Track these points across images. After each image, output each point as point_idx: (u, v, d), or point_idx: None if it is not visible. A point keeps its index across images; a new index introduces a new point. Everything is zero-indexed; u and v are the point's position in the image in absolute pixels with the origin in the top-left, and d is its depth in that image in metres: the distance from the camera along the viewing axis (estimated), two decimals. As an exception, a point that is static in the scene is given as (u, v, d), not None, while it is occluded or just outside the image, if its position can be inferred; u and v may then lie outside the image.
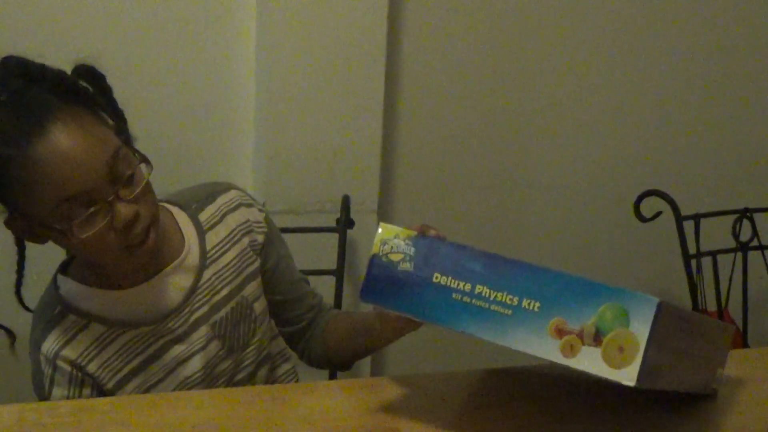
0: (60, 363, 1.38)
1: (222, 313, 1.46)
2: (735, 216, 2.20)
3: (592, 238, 2.41)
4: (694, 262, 2.14)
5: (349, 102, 1.68)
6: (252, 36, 2.01)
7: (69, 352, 1.38)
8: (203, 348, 1.45)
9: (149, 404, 1.35)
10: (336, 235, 1.99)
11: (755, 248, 2.22)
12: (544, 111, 2.34)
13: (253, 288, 1.50)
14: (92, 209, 1.26)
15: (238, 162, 2.08)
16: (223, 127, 2.04)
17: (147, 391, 1.42)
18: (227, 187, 1.51)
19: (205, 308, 1.45)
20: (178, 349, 1.43)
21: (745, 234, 2.20)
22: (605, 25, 2.34)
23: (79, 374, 1.39)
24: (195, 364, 1.44)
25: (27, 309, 1.43)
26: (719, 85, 2.46)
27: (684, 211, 2.13)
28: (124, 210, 1.27)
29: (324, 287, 2.04)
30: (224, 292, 1.46)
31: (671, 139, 2.44)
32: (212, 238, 1.46)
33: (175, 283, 1.42)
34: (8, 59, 1.29)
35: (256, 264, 1.51)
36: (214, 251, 1.46)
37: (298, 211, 2.00)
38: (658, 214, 2.12)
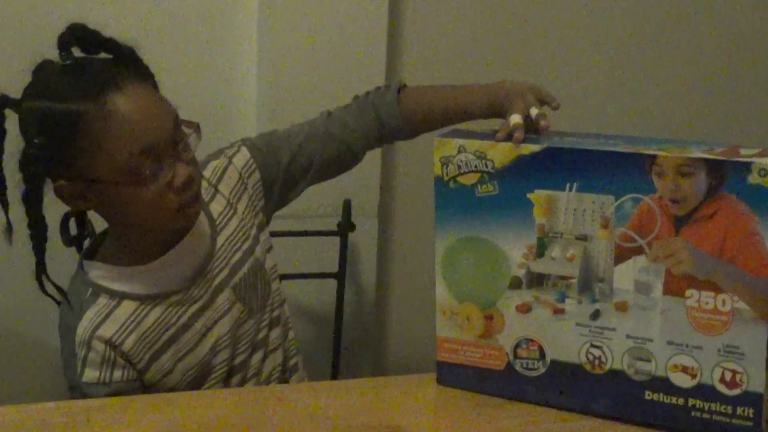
0: (95, 343, 1.41)
1: (240, 275, 1.52)
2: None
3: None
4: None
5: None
6: (254, 41, 2.02)
7: (104, 332, 1.41)
8: (228, 311, 1.50)
9: (155, 404, 1.36)
10: (337, 239, 2.01)
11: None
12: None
13: (262, 245, 1.56)
14: (158, 165, 1.33)
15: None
16: (225, 129, 2.05)
17: (181, 359, 1.46)
18: (206, 162, 1.54)
19: (224, 273, 1.50)
20: (206, 316, 1.48)
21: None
22: (603, 45, 2.35)
23: (113, 354, 1.41)
24: (222, 328, 1.50)
25: (47, 295, 1.43)
26: (713, 113, 2.47)
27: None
28: (183, 170, 1.35)
29: (326, 290, 2.07)
30: (238, 255, 1.52)
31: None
32: (216, 208, 1.52)
33: (194, 251, 1.48)
34: (75, 26, 1.35)
35: (262, 201, 1.57)
36: (219, 220, 1.51)
37: (299, 215, 2.02)
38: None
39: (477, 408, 1.35)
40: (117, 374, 1.42)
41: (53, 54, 1.35)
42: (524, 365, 1.34)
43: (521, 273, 1.31)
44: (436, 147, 1.33)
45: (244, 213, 1.54)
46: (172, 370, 1.47)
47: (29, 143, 1.33)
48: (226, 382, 1.52)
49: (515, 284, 1.31)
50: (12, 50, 1.89)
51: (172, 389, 1.47)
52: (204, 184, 1.51)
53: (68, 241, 1.54)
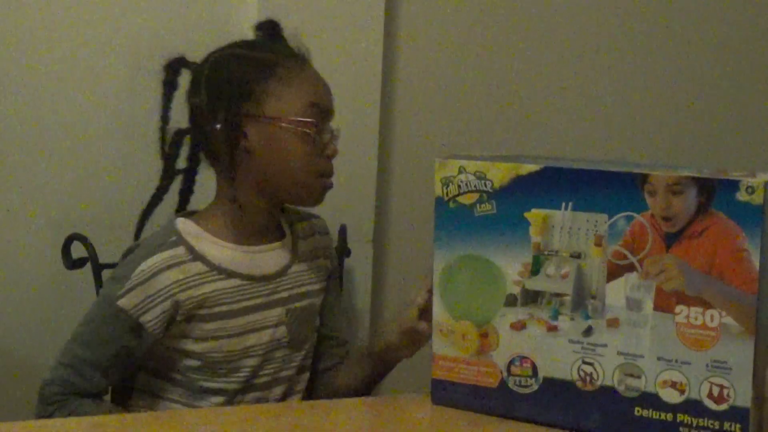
0: (153, 280, 1.50)
1: (298, 305, 1.63)
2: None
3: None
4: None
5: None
6: None
7: (168, 275, 1.51)
8: (274, 327, 1.60)
9: (163, 422, 1.39)
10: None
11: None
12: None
13: (319, 301, 1.69)
14: (320, 127, 1.54)
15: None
16: None
17: (217, 338, 1.55)
18: (320, 218, 1.75)
19: (286, 294, 1.62)
20: (255, 317, 1.58)
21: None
22: (597, 65, 2.40)
23: (160, 300, 1.50)
24: (263, 337, 1.59)
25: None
26: (710, 135, 2.51)
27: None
28: (333, 147, 1.57)
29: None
30: (303, 289, 1.65)
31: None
32: (302, 245, 1.67)
33: (275, 259, 1.62)
34: (272, 21, 1.64)
35: (323, 284, 1.70)
36: (301, 255, 1.66)
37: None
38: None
39: (471, 427, 1.37)
40: (146, 317, 1.50)
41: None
42: (517, 382, 1.36)
43: (516, 290, 1.34)
44: (437, 169, 1.38)
45: (320, 266, 1.69)
46: (206, 341, 1.54)
47: (220, 85, 1.53)
48: (242, 394, 1.58)
49: (510, 302, 1.35)
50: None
51: (198, 358, 1.55)
52: (306, 224, 1.70)
53: (70, 264, 1.65)
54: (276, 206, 1.63)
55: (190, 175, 1.66)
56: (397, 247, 2.23)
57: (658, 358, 1.27)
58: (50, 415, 1.48)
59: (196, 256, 1.54)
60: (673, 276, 1.26)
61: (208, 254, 1.55)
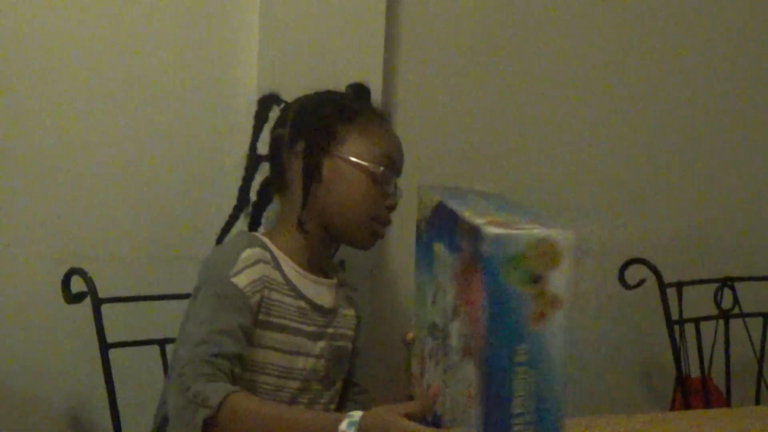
0: (258, 267, 1.62)
1: (338, 343, 1.75)
2: (717, 284, 2.26)
3: (577, 305, 2.44)
4: (677, 329, 2.21)
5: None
6: (255, 41, 2.04)
7: (265, 268, 1.64)
8: (316, 357, 1.71)
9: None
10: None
11: (737, 316, 2.28)
12: (527, 180, 2.39)
13: (350, 346, 1.80)
14: (388, 177, 1.70)
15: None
16: (223, 131, 2.06)
17: (269, 348, 1.64)
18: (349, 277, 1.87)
19: (332, 330, 1.74)
20: (305, 342, 1.69)
21: (727, 302, 2.27)
22: (588, 99, 2.42)
23: (258, 287, 1.62)
24: (306, 364, 1.69)
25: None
26: (701, 157, 2.52)
27: (667, 279, 2.20)
28: (396, 201, 1.73)
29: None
30: (342, 331, 1.77)
31: (655, 209, 2.49)
32: (339, 291, 1.79)
33: (330, 296, 1.75)
34: (362, 85, 1.84)
35: (354, 332, 1.81)
36: (340, 299, 1.79)
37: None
38: (642, 281, 2.18)
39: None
40: (254, 299, 1.60)
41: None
42: (435, 412, 1.37)
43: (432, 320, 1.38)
44: (418, 195, 1.46)
45: (352, 315, 1.82)
46: (266, 350, 1.63)
47: (306, 119, 1.71)
48: None
49: (430, 331, 1.39)
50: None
51: (257, 366, 1.63)
52: (344, 274, 1.83)
53: (70, 298, 1.67)
54: (333, 241, 1.77)
55: (263, 199, 1.81)
56: (395, 283, 2.23)
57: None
58: (195, 392, 1.45)
59: (277, 266, 1.67)
60: None
61: (286, 271, 1.68)
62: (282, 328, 1.65)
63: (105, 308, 1.78)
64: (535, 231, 1.14)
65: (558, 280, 1.15)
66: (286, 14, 2.02)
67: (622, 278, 2.18)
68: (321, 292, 1.73)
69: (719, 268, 2.34)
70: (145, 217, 1.99)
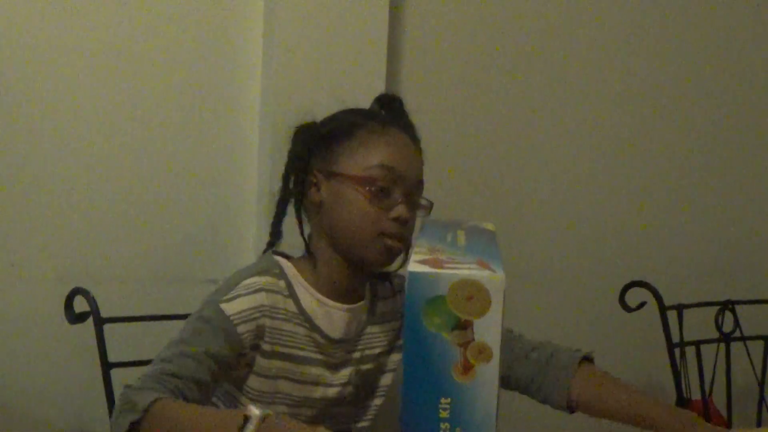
0: (256, 295, 1.58)
1: (367, 366, 1.70)
2: (717, 307, 2.27)
3: (578, 327, 2.46)
4: (678, 352, 2.21)
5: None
6: (259, 50, 2.07)
7: (267, 297, 1.59)
8: (342, 385, 1.67)
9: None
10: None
11: (738, 339, 2.28)
12: (528, 207, 2.41)
13: (393, 359, 1.74)
14: (389, 188, 1.60)
15: (243, 192, 2.11)
16: (228, 136, 2.07)
17: (283, 378, 1.61)
18: (402, 277, 1.74)
19: (358, 355, 1.69)
20: (325, 372, 1.65)
21: (728, 325, 2.27)
22: (586, 115, 2.44)
23: (252, 317, 1.57)
24: (328, 394, 1.66)
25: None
26: (704, 180, 2.54)
27: (667, 302, 2.20)
28: (404, 210, 1.61)
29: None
30: (377, 350, 1.71)
31: (655, 231, 2.50)
32: (380, 306, 1.73)
33: (352, 322, 1.68)
34: (394, 97, 1.76)
35: (396, 341, 1.74)
36: (378, 316, 1.72)
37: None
38: (643, 304, 2.18)
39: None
40: (243, 328, 1.56)
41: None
42: None
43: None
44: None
45: (394, 327, 1.74)
46: (275, 380, 1.60)
47: (316, 137, 1.66)
48: None
49: None
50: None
51: (266, 395, 1.61)
52: (387, 285, 1.75)
53: (73, 318, 1.67)
54: (352, 265, 1.66)
55: (277, 219, 1.74)
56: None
57: None
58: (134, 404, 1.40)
59: (292, 294, 1.63)
60: None
61: (303, 300, 1.64)
62: (293, 358, 1.62)
63: (107, 328, 1.78)
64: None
65: (487, 328, 1.04)
66: (289, 34, 2.03)
67: (622, 301, 2.18)
68: (340, 321, 1.66)
69: (720, 291, 2.34)
70: (148, 239, 2.01)
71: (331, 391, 1.66)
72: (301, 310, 1.63)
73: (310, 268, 1.67)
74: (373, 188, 1.59)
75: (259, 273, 1.61)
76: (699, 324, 2.26)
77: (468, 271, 1.03)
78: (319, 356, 1.64)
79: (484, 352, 1.03)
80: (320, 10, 2.04)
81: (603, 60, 2.44)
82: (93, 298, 1.78)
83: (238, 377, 1.60)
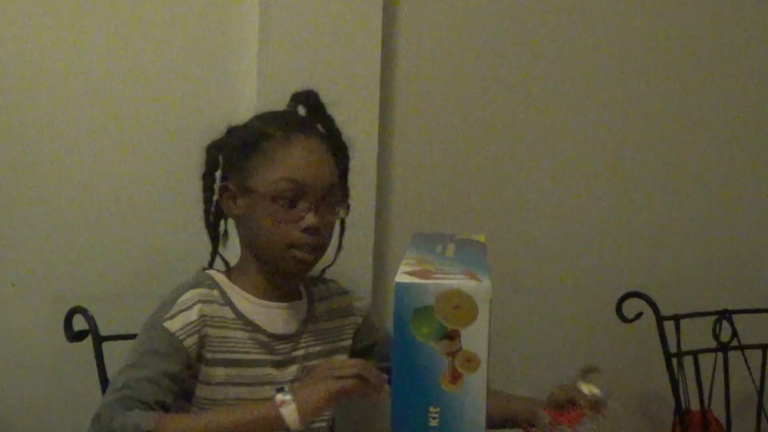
0: (196, 308, 1.62)
1: (312, 363, 1.73)
2: (715, 317, 2.27)
3: (575, 339, 2.46)
4: (675, 362, 2.21)
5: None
6: (254, 52, 2.07)
7: (204, 308, 1.64)
8: (290, 383, 1.68)
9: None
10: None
11: (736, 348, 2.29)
12: (524, 217, 2.41)
13: (342, 357, 1.78)
14: (296, 200, 1.64)
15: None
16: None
17: (234, 385, 1.65)
18: (334, 281, 1.86)
19: (302, 352, 1.73)
20: (272, 371, 1.69)
21: (726, 334, 2.28)
22: (588, 128, 2.44)
23: (195, 329, 1.61)
24: None
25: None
26: (699, 190, 2.54)
27: (664, 312, 2.21)
28: (314, 219, 1.65)
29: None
30: (318, 348, 1.76)
31: (651, 241, 2.51)
32: (318, 306, 1.79)
33: (293, 319, 1.73)
34: (311, 92, 1.77)
35: (349, 341, 1.82)
36: (318, 315, 1.78)
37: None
38: (639, 315, 2.19)
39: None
40: (189, 341, 1.60)
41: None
42: None
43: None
44: None
45: (343, 324, 1.82)
46: (224, 386, 1.64)
47: (228, 149, 1.72)
48: None
49: None
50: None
51: (218, 402, 1.64)
52: (323, 287, 1.82)
53: (71, 337, 1.69)
54: (275, 271, 1.71)
55: (212, 236, 1.80)
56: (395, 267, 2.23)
57: None
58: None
59: (227, 302, 1.68)
60: None
61: (237, 304, 1.68)
62: (238, 363, 1.65)
63: (106, 346, 1.80)
64: (448, 282, 1.05)
65: (474, 337, 1.05)
66: (284, 33, 2.04)
67: (619, 312, 2.19)
68: (281, 317, 1.72)
69: (716, 301, 2.35)
70: (145, 256, 2.02)
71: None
72: (240, 315, 1.68)
73: (241, 274, 1.72)
74: (279, 202, 1.65)
75: (193, 287, 1.67)
76: (696, 334, 2.26)
77: (455, 281, 1.05)
78: (264, 356, 1.68)
79: (471, 361, 1.05)
80: (315, 8, 2.06)
81: (605, 63, 2.44)
82: (91, 316, 1.79)
83: (187, 389, 1.63)
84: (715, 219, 2.55)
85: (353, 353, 1.82)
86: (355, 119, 2.08)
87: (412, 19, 2.22)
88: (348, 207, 1.73)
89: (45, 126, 1.96)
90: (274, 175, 1.65)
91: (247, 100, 2.06)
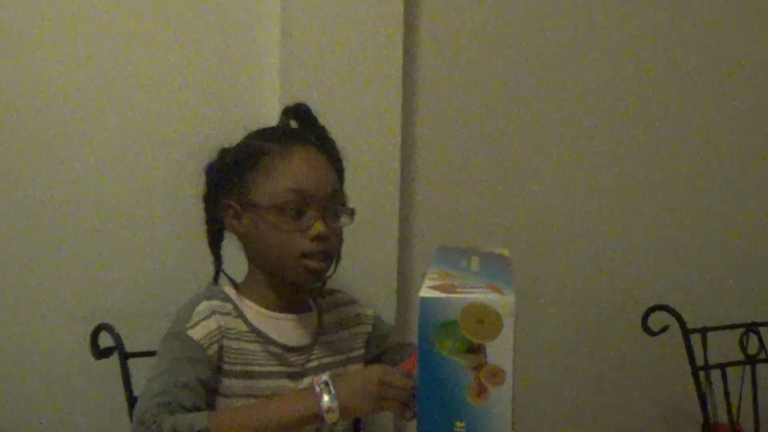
0: (213, 318, 1.64)
1: (325, 376, 1.66)
2: (742, 330, 2.26)
3: (601, 352, 2.45)
4: (702, 375, 2.19)
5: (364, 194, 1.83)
6: (276, 59, 2.08)
7: (221, 320, 1.65)
8: None
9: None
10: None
11: (763, 361, 2.27)
12: (549, 229, 2.40)
13: (354, 368, 1.79)
14: (302, 210, 1.65)
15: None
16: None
17: (250, 396, 1.65)
18: (341, 291, 1.87)
19: (315, 363, 1.74)
20: (287, 383, 1.69)
21: (753, 347, 2.26)
22: (608, 138, 2.44)
23: (216, 338, 1.63)
24: None
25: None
26: (726, 203, 2.52)
27: (691, 325, 2.19)
28: (322, 226, 1.65)
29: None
30: (331, 359, 1.76)
31: (677, 254, 2.50)
32: (326, 317, 1.80)
33: (304, 330, 1.75)
34: (300, 105, 1.79)
35: (361, 351, 1.82)
36: (327, 326, 1.79)
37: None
38: (666, 328, 2.17)
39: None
40: (211, 350, 1.62)
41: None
42: None
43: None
44: None
45: (353, 334, 1.82)
46: (241, 399, 1.64)
47: (226, 169, 1.72)
48: None
49: None
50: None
51: None
52: (329, 299, 1.82)
53: (98, 354, 1.70)
54: (284, 285, 1.72)
55: (214, 252, 1.80)
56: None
57: None
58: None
59: (240, 314, 1.69)
60: None
61: (249, 317, 1.69)
62: (253, 375, 1.66)
63: (132, 362, 1.80)
64: (472, 296, 1.05)
65: (498, 351, 1.05)
66: (305, 40, 2.06)
67: (645, 325, 2.18)
68: (293, 330, 1.73)
69: (743, 314, 2.33)
70: (169, 274, 2.03)
71: None
72: (252, 328, 1.68)
73: (251, 288, 1.74)
74: (285, 214, 1.65)
75: (207, 298, 1.68)
76: (723, 347, 2.25)
77: (479, 295, 1.05)
78: (279, 368, 1.69)
79: (497, 375, 1.06)
80: (336, 9, 2.06)
81: (635, 73, 2.44)
82: (117, 333, 1.80)
83: (208, 402, 1.63)
84: (742, 231, 2.53)
85: (365, 362, 1.82)
86: (377, 133, 2.10)
87: (434, 29, 2.23)
88: (353, 213, 1.73)
89: (71, 149, 1.98)
90: (278, 188, 1.66)
91: (269, 114, 2.06)
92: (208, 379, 1.60)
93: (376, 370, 1.54)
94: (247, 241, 1.74)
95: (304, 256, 1.66)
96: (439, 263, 1.26)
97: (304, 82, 2.05)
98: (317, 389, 1.52)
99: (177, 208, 2.03)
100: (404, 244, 2.21)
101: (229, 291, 1.73)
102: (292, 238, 1.65)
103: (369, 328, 1.85)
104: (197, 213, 2.01)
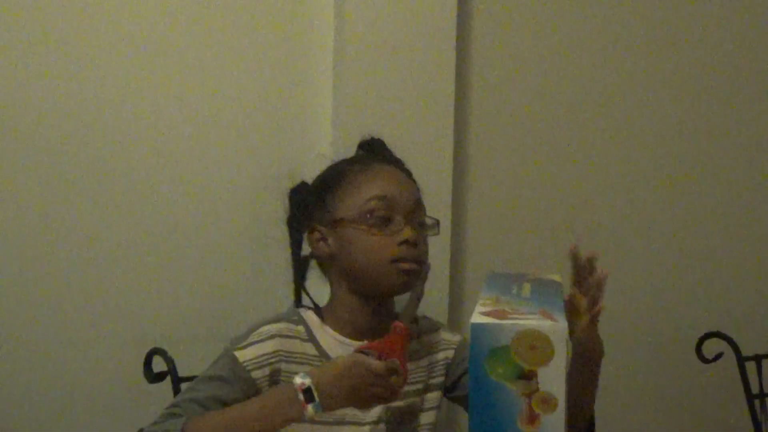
0: (268, 342, 1.64)
1: (399, 403, 1.70)
2: (798, 357, 2.23)
3: (654, 380, 2.43)
4: (757, 404, 2.17)
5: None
6: (329, 87, 2.11)
7: (281, 342, 1.65)
8: (374, 423, 1.69)
9: None
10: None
11: (820, 390, 2.24)
12: (602, 256, 2.38)
13: (431, 398, 1.77)
14: (389, 215, 1.66)
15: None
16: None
17: (311, 423, 1.58)
18: (427, 318, 1.85)
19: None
20: (355, 411, 1.64)
21: (810, 376, 2.23)
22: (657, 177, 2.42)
23: (268, 361, 1.63)
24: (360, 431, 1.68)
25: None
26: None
27: (745, 352, 2.16)
28: (411, 232, 1.66)
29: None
30: (407, 387, 1.66)
31: (731, 281, 2.47)
32: (412, 344, 1.71)
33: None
34: (375, 140, 1.82)
35: (441, 378, 1.79)
36: (410, 354, 1.68)
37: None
38: (720, 355, 2.15)
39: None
40: (258, 373, 1.62)
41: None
42: None
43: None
44: None
45: (434, 363, 1.78)
46: (301, 424, 1.58)
47: (310, 192, 1.75)
48: None
49: None
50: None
51: None
52: (415, 325, 1.75)
53: (151, 378, 1.72)
54: (373, 303, 1.71)
55: (297, 276, 1.80)
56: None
57: None
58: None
59: (311, 338, 1.69)
60: None
61: (323, 342, 1.69)
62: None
63: (185, 387, 1.81)
64: (524, 322, 1.06)
65: (550, 377, 1.05)
66: (359, 48, 2.07)
67: (699, 352, 2.16)
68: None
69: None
70: (222, 299, 2.04)
71: (363, 430, 1.68)
72: (322, 353, 1.68)
73: (332, 314, 1.73)
74: (373, 220, 1.66)
75: (274, 321, 1.68)
76: (779, 375, 2.22)
77: (531, 321, 1.06)
78: None
79: (549, 402, 1.05)
80: (390, 20, 2.08)
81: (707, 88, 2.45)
82: (171, 358, 1.82)
83: None
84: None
85: (445, 388, 1.81)
86: (428, 162, 2.10)
87: (486, 59, 2.24)
88: (438, 224, 1.74)
89: (130, 175, 2.01)
90: (362, 197, 1.68)
91: (321, 145, 2.09)
92: (234, 400, 1.59)
93: (358, 366, 1.50)
94: (334, 263, 1.73)
95: (394, 260, 1.66)
96: (490, 289, 1.27)
97: (355, 113, 2.07)
98: (300, 396, 1.49)
99: (232, 235, 2.05)
100: (455, 271, 2.21)
101: (307, 314, 1.73)
102: (382, 243, 1.66)
103: (450, 354, 1.81)
104: (251, 241, 2.04)
